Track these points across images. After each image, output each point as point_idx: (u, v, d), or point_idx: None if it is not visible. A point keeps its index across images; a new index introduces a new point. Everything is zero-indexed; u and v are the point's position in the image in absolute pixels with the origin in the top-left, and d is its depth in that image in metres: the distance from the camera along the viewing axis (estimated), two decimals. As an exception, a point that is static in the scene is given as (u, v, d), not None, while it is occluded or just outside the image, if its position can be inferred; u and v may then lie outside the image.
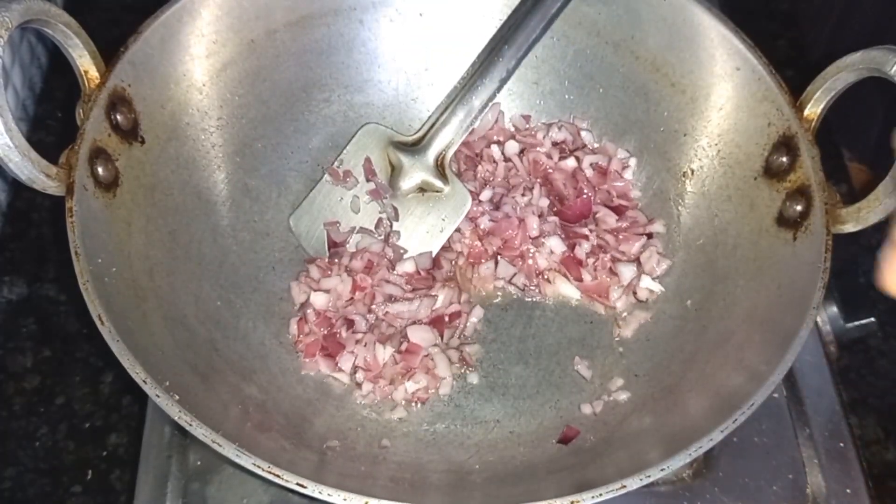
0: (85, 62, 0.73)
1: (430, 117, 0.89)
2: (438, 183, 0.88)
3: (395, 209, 0.88)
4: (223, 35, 0.84)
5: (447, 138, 0.87)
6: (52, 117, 1.07)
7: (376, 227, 0.88)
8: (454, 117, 0.86)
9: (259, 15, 0.85)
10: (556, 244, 0.87)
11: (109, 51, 0.75)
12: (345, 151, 0.90)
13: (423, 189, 0.88)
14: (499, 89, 0.86)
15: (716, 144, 0.85)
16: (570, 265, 0.87)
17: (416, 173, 0.88)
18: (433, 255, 0.87)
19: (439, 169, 0.88)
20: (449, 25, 0.92)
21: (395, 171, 0.89)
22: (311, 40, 0.89)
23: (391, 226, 0.88)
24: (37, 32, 0.78)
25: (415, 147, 0.88)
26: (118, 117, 0.74)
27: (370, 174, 0.89)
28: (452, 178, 0.88)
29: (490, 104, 0.86)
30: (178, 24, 0.80)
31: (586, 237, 0.87)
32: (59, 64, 1.10)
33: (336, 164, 0.89)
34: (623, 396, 0.80)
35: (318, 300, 0.83)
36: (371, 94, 0.94)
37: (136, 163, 0.76)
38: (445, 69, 0.93)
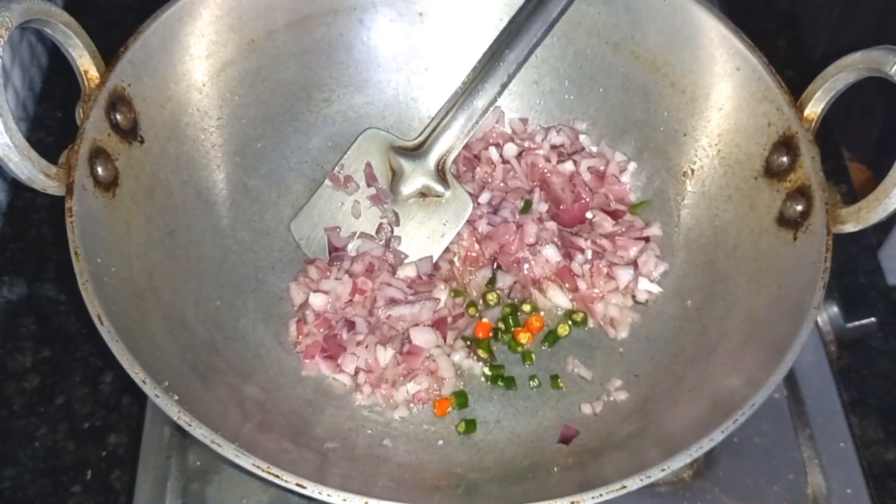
0: (85, 62, 0.73)
1: (430, 122, 0.89)
2: (439, 188, 0.88)
3: (396, 214, 0.88)
4: (223, 35, 0.84)
5: (448, 143, 0.87)
6: (51, 117, 1.07)
7: (377, 232, 0.88)
8: (455, 122, 0.86)
9: (259, 15, 0.85)
10: (551, 253, 0.86)
11: (109, 51, 0.75)
12: (345, 156, 0.89)
13: (423, 194, 0.88)
14: (500, 94, 0.85)
15: (716, 144, 0.85)
16: (566, 276, 0.86)
17: (416, 178, 0.88)
18: (434, 261, 0.87)
19: (440, 174, 0.88)
20: (449, 26, 0.92)
21: (395, 176, 0.88)
22: (311, 40, 0.89)
23: (392, 231, 0.88)
24: (37, 32, 0.78)
25: (416, 152, 0.88)
26: (118, 117, 0.74)
27: (371, 179, 0.89)
28: (453, 182, 0.88)
29: (491, 109, 0.86)
30: (178, 24, 0.80)
31: (582, 249, 0.86)
32: (59, 64, 1.10)
33: (337, 169, 0.89)
34: (623, 396, 0.80)
35: (317, 301, 0.83)
36: (371, 94, 0.94)
37: (136, 163, 0.76)
38: (445, 70, 0.93)
